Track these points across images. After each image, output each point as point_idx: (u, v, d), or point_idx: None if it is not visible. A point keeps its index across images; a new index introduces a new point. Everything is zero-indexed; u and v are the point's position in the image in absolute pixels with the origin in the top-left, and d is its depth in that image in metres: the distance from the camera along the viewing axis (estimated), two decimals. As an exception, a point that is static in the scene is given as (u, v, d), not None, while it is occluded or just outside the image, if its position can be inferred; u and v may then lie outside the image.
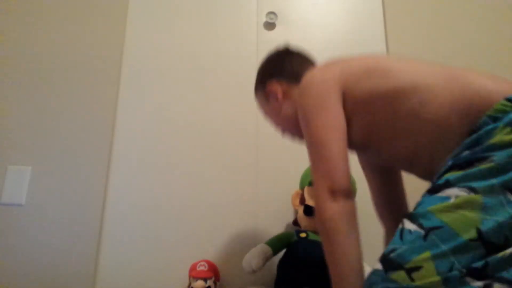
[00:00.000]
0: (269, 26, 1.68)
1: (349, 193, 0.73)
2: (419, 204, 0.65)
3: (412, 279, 0.56)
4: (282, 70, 0.98)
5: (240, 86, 1.60)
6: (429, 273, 0.56)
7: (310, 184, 1.30)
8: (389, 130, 0.77)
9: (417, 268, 0.56)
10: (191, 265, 1.33)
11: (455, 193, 0.60)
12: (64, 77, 1.57)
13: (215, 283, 1.30)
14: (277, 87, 0.97)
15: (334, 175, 0.73)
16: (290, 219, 1.39)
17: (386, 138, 0.78)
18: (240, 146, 1.53)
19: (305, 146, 0.82)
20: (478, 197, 0.57)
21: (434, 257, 0.56)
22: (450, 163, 0.64)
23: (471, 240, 0.55)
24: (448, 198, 0.60)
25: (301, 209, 1.30)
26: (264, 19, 1.67)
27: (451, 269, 0.55)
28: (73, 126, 1.52)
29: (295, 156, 1.50)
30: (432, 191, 0.64)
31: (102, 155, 1.49)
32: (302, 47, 1.63)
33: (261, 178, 1.49)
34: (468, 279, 0.54)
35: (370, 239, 1.40)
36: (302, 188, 1.35)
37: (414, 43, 1.65)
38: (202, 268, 1.30)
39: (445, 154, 0.67)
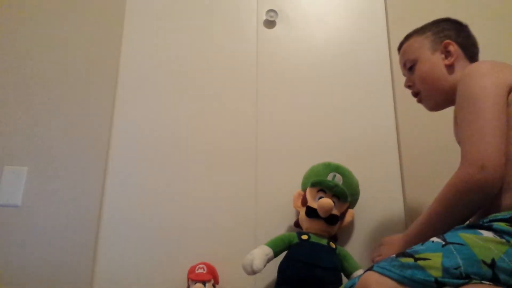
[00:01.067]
0: (269, 24, 1.66)
1: (495, 182, 0.74)
2: (452, 229, 0.72)
3: (415, 262, 0.63)
4: (467, 43, 1.04)
5: (240, 85, 1.58)
6: (434, 264, 0.62)
7: (312, 185, 1.28)
8: None
9: (425, 259, 0.63)
10: (190, 267, 1.32)
11: (488, 234, 0.66)
12: (61, 77, 1.56)
13: (213, 286, 1.29)
14: (455, 52, 1.00)
15: (490, 153, 0.75)
16: (292, 220, 1.38)
17: None
18: (239, 146, 1.51)
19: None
20: (506, 245, 0.63)
21: (444, 257, 0.62)
22: (507, 216, 0.69)
23: (484, 261, 0.61)
24: (481, 233, 0.66)
25: (303, 211, 1.28)
26: (264, 17, 1.65)
27: (456, 268, 0.61)
28: (69, 126, 1.51)
29: (296, 156, 1.49)
30: (472, 226, 0.70)
31: (99, 156, 1.47)
32: (302, 45, 1.63)
33: (261, 178, 1.47)
34: (463, 280, 0.60)
35: (370, 242, 1.39)
36: (304, 189, 1.33)
37: (416, 41, 1.63)
38: (201, 270, 1.28)
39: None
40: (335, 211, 1.24)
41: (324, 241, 1.23)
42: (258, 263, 1.15)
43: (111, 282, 1.36)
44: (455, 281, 0.60)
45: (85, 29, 1.62)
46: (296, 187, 1.38)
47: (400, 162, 1.48)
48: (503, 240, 0.64)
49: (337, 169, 1.32)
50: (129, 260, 1.38)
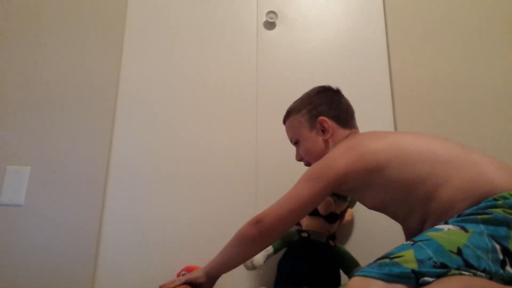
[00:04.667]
0: (269, 25, 1.67)
1: (265, 229, 0.96)
2: (420, 233, 0.75)
3: (391, 260, 0.66)
4: (339, 113, 1.12)
5: (240, 86, 1.60)
6: (408, 257, 0.66)
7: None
8: (404, 205, 0.89)
9: (399, 256, 0.67)
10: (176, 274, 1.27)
11: (448, 227, 0.71)
12: (63, 78, 1.57)
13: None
14: (329, 126, 1.08)
15: (270, 215, 0.96)
16: (291, 219, 1.38)
17: (401, 211, 0.92)
18: (240, 145, 1.52)
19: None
20: (467, 234, 0.68)
21: (416, 251, 0.66)
22: (456, 215, 0.75)
23: (451, 251, 0.65)
24: (442, 229, 0.71)
25: (302, 208, 1.29)
26: (264, 19, 1.66)
27: (428, 259, 0.64)
28: (72, 126, 1.51)
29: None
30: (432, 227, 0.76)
31: (101, 156, 1.48)
32: (302, 46, 1.65)
33: (261, 177, 1.48)
34: (441, 269, 0.63)
35: (370, 244, 1.40)
36: (304, 188, 1.34)
37: (415, 42, 1.65)
38: None
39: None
40: (335, 210, 1.25)
41: (323, 239, 1.24)
42: (258, 258, 1.17)
43: (112, 281, 1.37)
44: (433, 270, 0.62)
45: (86, 27, 1.64)
46: (296, 186, 1.39)
47: (399, 162, 1.49)
48: (462, 231, 0.69)
49: (338, 168, 1.33)
50: (130, 258, 1.39)
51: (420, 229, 0.85)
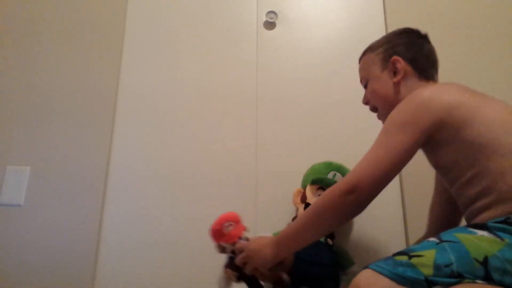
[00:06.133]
0: (269, 25, 1.67)
1: (362, 204, 0.83)
2: (449, 231, 0.70)
3: (409, 260, 0.63)
4: (417, 58, 0.99)
5: (240, 86, 1.60)
6: (427, 260, 0.62)
7: (313, 182, 1.29)
8: (472, 172, 0.78)
9: (419, 256, 0.63)
10: (213, 227, 1.03)
11: (482, 233, 0.65)
12: (63, 78, 1.58)
13: (245, 229, 1.07)
14: (402, 67, 0.97)
15: (367, 179, 0.80)
16: (291, 217, 1.39)
17: (465, 177, 0.79)
18: (239, 145, 1.52)
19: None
20: (500, 244, 0.63)
21: (437, 253, 0.63)
22: (502, 219, 0.67)
23: (476, 259, 0.61)
24: (475, 232, 0.66)
25: (301, 207, 1.29)
26: (264, 18, 1.66)
27: (447, 266, 0.60)
28: (72, 126, 1.52)
29: (296, 155, 1.50)
30: (468, 226, 0.70)
31: (101, 156, 1.48)
32: (302, 46, 1.65)
33: (261, 176, 1.48)
34: (455, 279, 0.60)
35: (375, 241, 1.40)
36: (304, 187, 1.34)
37: (414, 42, 1.65)
38: (230, 228, 1.04)
39: (502, 211, 0.70)
40: (334, 209, 1.25)
41: (322, 238, 1.24)
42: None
43: (112, 281, 1.37)
44: (446, 280, 0.59)
45: (86, 28, 1.64)
46: (296, 185, 1.39)
47: (399, 161, 1.49)
48: (497, 239, 0.64)
49: (338, 168, 1.33)
50: (130, 258, 1.39)
51: (473, 202, 0.77)
